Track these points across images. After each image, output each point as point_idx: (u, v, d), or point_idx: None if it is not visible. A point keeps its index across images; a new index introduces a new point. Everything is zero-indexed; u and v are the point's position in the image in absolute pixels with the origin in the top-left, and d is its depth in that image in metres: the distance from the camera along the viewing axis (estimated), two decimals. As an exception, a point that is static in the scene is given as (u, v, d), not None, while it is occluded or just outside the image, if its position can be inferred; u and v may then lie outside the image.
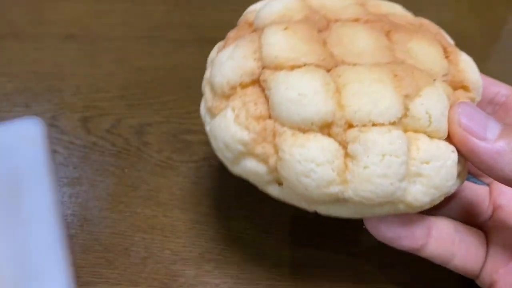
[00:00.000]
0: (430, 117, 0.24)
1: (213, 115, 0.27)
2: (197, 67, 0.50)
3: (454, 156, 0.24)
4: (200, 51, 0.52)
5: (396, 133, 0.23)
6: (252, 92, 0.25)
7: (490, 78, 0.30)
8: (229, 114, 0.25)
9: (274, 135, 0.24)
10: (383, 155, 0.22)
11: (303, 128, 0.23)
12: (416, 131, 0.24)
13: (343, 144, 0.23)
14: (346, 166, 0.23)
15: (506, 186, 0.25)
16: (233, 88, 0.25)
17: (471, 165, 0.26)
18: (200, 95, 0.31)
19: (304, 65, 0.24)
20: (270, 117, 0.24)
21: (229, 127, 0.24)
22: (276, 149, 0.24)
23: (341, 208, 0.25)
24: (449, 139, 0.25)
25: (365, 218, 0.27)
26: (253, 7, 0.31)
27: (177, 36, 0.54)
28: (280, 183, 0.25)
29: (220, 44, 0.30)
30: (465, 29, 0.56)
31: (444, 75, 0.26)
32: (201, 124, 0.30)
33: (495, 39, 0.56)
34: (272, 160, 0.24)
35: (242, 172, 0.26)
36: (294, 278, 0.33)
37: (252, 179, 0.26)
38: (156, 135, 0.44)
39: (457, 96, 0.26)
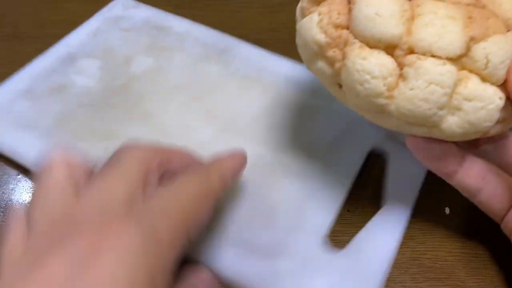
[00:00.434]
0: (488, 61, 0.26)
1: (303, 15, 0.31)
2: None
3: (499, 102, 0.27)
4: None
5: (448, 68, 0.26)
6: (340, 1, 0.28)
7: None
8: (315, 17, 0.29)
9: (346, 44, 0.28)
10: (430, 83, 0.26)
11: (371, 43, 0.27)
12: (471, 71, 0.26)
13: (401, 66, 0.26)
14: (397, 84, 0.27)
15: None
16: None
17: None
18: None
19: None
20: (348, 28, 0.28)
21: (311, 29, 0.29)
22: (344, 56, 0.28)
23: (384, 119, 0.28)
24: (503, 86, 0.27)
25: (407, 135, 0.30)
26: None
27: (177, 36, 0.54)
28: (340, 86, 0.29)
29: None
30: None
31: None
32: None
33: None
34: (338, 65, 0.28)
35: (315, 71, 0.30)
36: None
37: (321, 79, 0.31)
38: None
39: None
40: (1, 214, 0.39)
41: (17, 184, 0.41)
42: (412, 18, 0.26)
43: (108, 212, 0.23)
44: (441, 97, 0.26)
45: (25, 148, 0.39)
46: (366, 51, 0.27)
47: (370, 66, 0.26)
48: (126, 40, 0.48)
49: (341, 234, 0.36)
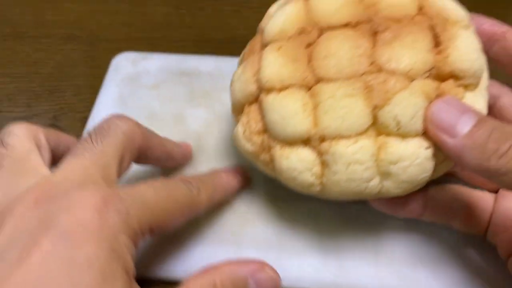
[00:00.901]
0: (398, 122, 0.26)
1: (235, 123, 0.33)
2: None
3: (426, 152, 0.27)
4: (200, 52, 0.52)
5: (360, 144, 0.27)
6: (255, 109, 0.30)
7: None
8: (239, 128, 0.31)
9: (269, 147, 0.30)
10: (348, 164, 0.27)
11: (289, 142, 0.29)
12: (388, 134, 0.27)
13: (320, 154, 0.28)
14: (322, 172, 0.28)
15: None
16: (242, 105, 0.31)
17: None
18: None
19: (289, 86, 0.28)
20: (266, 131, 0.30)
21: (240, 140, 0.31)
22: (271, 158, 0.30)
23: (328, 197, 0.30)
24: (425, 135, 0.27)
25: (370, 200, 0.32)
26: (271, 10, 0.34)
27: (177, 36, 0.54)
28: None
29: (245, 51, 0.35)
30: (464, 29, 0.56)
31: (427, 71, 0.27)
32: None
33: (495, 39, 0.56)
34: (271, 166, 0.30)
35: (259, 168, 0.32)
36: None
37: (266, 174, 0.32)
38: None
39: (444, 88, 0.27)
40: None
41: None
42: (315, 108, 0.27)
43: (87, 189, 0.24)
44: (364, 172, 0.27)
45: None
46: (287, 150, 0.28)
47: (294, 164, 0.28)
48: (161, 97, 0.43)
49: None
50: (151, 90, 0.45)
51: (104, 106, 0.44)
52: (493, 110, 0.32)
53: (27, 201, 0.23)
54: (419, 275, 0.32)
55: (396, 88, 0.26)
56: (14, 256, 0.21)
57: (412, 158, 0.27)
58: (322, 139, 0.27)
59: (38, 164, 0.26)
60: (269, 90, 0.29)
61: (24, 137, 0.27)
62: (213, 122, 0.41)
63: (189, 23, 0.57)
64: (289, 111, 0.28)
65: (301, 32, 0.30)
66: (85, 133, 0.28)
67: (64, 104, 0.48)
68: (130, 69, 0.47)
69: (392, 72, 0.27)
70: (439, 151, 0.27)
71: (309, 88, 0.28)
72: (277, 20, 0.31)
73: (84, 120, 0.45)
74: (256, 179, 0.37)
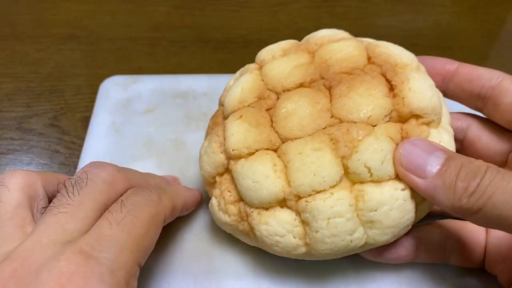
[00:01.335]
0: (369, 168, 0.27)
1: (209, 195, 0.33)
2: (197, 68, 0.51)
3: (404, 194, 0.27)
4: (200, 52, 0.52)
5: (337, 196, 0.27)
6: (226, 179, 0.30)
7: (473, 68, 0.31)
8: (214, 201, 0.31)
9: (247, 215, 0.29)
10: (328, 219, 0.27)
11: (265, 206, 0.28)
12: (361, 182, 0.27)
13: (298, 213, 0.28)
14: (304, 230, 0.28)
15: None
16: (213, 177, 0.31)
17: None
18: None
19: (256, 151, 0.29)
20: (241, 199, 0.29)
21: (216, 213, 0.31)
22: (251, 227, 0.29)
23: (314, 258, 0.29)
24: (398, 177, 0.28)
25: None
26: (228, 84, 0.35)
27: (177, 36, 0.54)
28: None
29: (208, 125, 0.35)
30: (464, 29, 0.57)
31: (387, 115, 0.27)
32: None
33: (494, 39, 0.56)
34: (251, 234, 0.30)
35: (244, 241, 0.32)
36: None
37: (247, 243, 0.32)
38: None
39: (407, 129, 0.28)
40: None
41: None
42: (285, 167, 0.28)
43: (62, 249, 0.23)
44: (346, 225, 0.27)
45: None
46: (265, 215, 0.28)
47: (274, 228, 0.28)
48: (157, 122, 0.41)
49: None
50: (145, 115, 0.42)
51: (97, 136, 0.40)
52: (464, 143, 0.32)
53: None
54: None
55: (360, 136, 0.27)
56: None
57: (392, 202, 0.27)
58: (298, 197, 0.27)
59: (20, 224, 0.25)
60: (237, 158, 0.29)
61: (15, 189, 0.26)
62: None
63: (189, 23, 0.57)
64: (260, 174, 0.28)
65: (260, 98, 0.31)
66: (61, 185, 0.27)
67: (64, 104, 0.47)
68: (121, 94, 0.44)
69: (353, 121, 0.28)
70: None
71: (275, 149, 0.29)
72: (235, 91, 0.32)
73: (84, 120, 0.44)
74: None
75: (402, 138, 0.27)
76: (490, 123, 0.31)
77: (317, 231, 0.27)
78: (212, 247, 0.34)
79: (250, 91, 0.31)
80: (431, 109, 0.28)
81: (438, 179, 0.25)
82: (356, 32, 0.59)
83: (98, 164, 0.28)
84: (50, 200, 0.26)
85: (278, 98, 0.30)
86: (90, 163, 0.28)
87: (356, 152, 0.27)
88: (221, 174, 0.31)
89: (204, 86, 0.45)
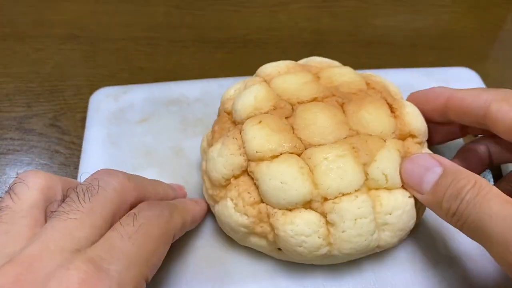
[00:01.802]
0: (386, 176, 0.30)
1: (215, 201, 0.33)
2: (196, 68, 0.51)
3: (411, 200, 0.30)
4: (200, 52, 0.52)
5: (361, 198, 0.29)
6: (244, 181, 0.31)
7: (461, 100, 0.33)
8: (229, 203, 0.31)
9: (268, 216, 0.30)
10: (355, 219, 0.28)
11: (290, 207, 0.29)
12: (377, 188, 0.30)
13: (323, 214, 0.29)
14: (328, 231, 0.29)
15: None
16: (228, 180, 0.31)
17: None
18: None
19: (281, 154, 0.30)
20: (262, 201, 0.30)
21: (231, 215, 0.31)
22: (272, 227, 0.30)
23: (332, 260, 0.31)
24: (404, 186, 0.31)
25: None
26: (228, 94, 0.36)
27: (177, 36, 0.54)
28: (280, 249, 0.31)
29: (208, 134, 0.35)
30: (464, 29, 0.57)
31: (393, 132, 0.32)
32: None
33: (494, 39, 0.56)
34: (270, 236, 0.30)
35: (249, 245, 0.32)
36: None
37: (258, 249, 0.32)
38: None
39: (407, 145, 0.32)
40: (1, 214, 0.39)
41: (16, 184, 0.40)
42: (311, 171, 0.29)
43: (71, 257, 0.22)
44: (369, 225, 0.29)
45: None
46: (290, 215, 0.29)
47: (300, 228, 0.29)
48: (153, 131, 0.41)
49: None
50: (140, 125, 0.41)
51: (94, 150, 0.39)
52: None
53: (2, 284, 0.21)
54: None
55: (378, 147, 0.30)
56: None
57: (403, 206, 0.30)
58: (324, 199, 0.29)
59: (32, 224, 0.24)
60: (259, 160, 0.30)
61: (34, 189, 0.25)
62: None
63: (189, 23, 0.57)
64: (289, 175, 0.29)
65: (275, 107, 0.32)
66: (71, 190, 0.27)
67: (64, 104, 0.46)
68: (112, 105, 0.43)
69: (369, 134, 0.31)
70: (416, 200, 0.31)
71: (299, 154, 0.30)
72: (248, 99, 0.33)
73: (84, 120, 0.44)
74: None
75: (405, 153, 0.31)
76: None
77: (344, 231, 0.28)
78: (226, 251, 0.34)
79: (265, 100, 0.33)
80: (423, 131, 0.33)
81: (430, 196, 0.28)
82: (356, 32, 0.59)
83: (110, 171, 0.28)
84: None
85: (293, 109, 0.32)
86: (101, 170, 0.28)
87: (375, 160, 0.29)
88: (236, 177, 0.31)
89: (196, 92, 0.45)
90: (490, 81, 0.49)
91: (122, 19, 0.56)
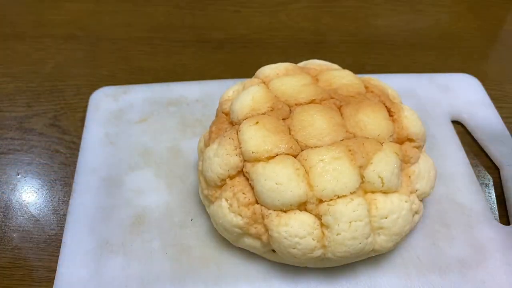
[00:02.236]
0: (382, 179, 0.29)
1: (210, 201, 0.33)
2: (197, 68, 0.51)
3: (407, 205, 0.30)
4: (200, 52, 0.53)
5: (357, 201, 0.29)
6: (239, 182, 0.31)
7: None
8: (223, 203, 0.31)
9: (263, 217, 0.30)
10: (350, 222, 0.28)
11: (285, 208, 0.29)
12: (373, 192, 0.30)
13: (318, 216, 0.29)
14: (323, 233, 0.29)
15: None
16: (223, 180, 0.31)
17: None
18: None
19: (277, 155, 0.30)
20: (257, 202, 0.30)
21: (226, 215, 0.31)
22: (266, 228, 0.30)
23: (326, 263, 0.31)
24: (403, 189, 0.31)
25: None
26: (226, 95, 0.37)
27: (177, 36, 0.54)
28: (274, 251, 0.31)
29: (205, 134, 0.35)
30: (464, 29, 0.57)
31: (390, 136, 0.32)
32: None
33: (494, 40, 0.56)
34: (264, 237, 0.30)
35: (242, 246, 0.32)
36: None
37: (252, 250, 0.32)
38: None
39: (405, 148, 0.32)
40: (1, 214, 0.39)
41: (16, 184, 0.40)
42: (306, 173, 0.29)
43: None
44: (365, 228, 0.29)
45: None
46: (284, 217, 0.29)
47: (294, 230, 0.28)
48: (151, 131, 0.41)
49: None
50: (139, 125, 0.42)
51: (92, 149, 0.40)
52: None
53: None
54: None
55: (374, 150, 0.30)
56: None
57: (399, 210, 0.30)
58: (320, 200, 0.29)
59: None
60: (255, 160, 0.30)
61: None
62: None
63: (189, 23, 0.57)
64: (284, 176, 0.29)
65: (273, 108, 0.32)
66: None
67: (64, 104, 0.47)
68: (112, 105, 0.43)
69: (366, 137, 0.31)
70: (414, 204, 0.31)
71: (295, 155, 0.30)
72: (245, 99, 0.33)
73: (84, 120, 0.45)
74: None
75: (403, 157, 0.31)
76: None
77: (338, 234, 0.28)
78: (220, 252, 0.34)
79: (262, 101, 0.33)
80: (421, 136, 0.33)
81: None
82: (356, 32, 0.59)
83: None
84: None
85: (290, 110, 0.32)
86: None
87: (371, 163, 0.29)
88: (232, 177, 0.31)
89: (196, 93, 0.45)
90: (490, 81, 0.49)
91: (123, 19, 0.56)
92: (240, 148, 0.30)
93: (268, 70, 0.37)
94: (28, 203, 0.38)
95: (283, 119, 0.32)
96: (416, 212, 0.32)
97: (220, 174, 0.31)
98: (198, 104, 0.44)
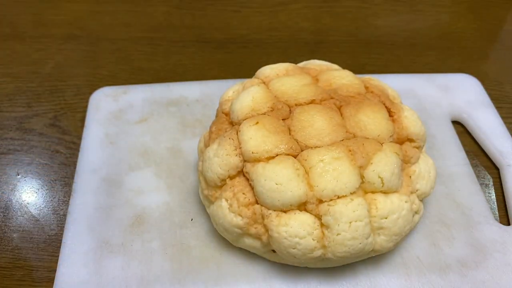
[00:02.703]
0: (382, 179, 0.29)
1: (210, 201, 0.33)
2: (197, 68, 0.51)
3: (407, 205, 0.30)
4: (200, 52, 0.53)
5: (357, 201, 0.29)
6: (239, 182, 0.31)
7: None
8: (223, 203, 0.31)
9: (263, 217, 0.30)
10: (350, 222, 0.28)
11: (285, 209, 0.29)
12: (373, 192, 0.30)
13: (318, 216, 0.29)
14: (323, 233, 0.29)
15: None
16: (223, 180, 0.31)
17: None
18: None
19: (276, 155, 0.30)
20: (257, 202, 0.30)
21: (226, 215, 0.31)
22: (266, 229, 0.30)
23: (326, 263, 0.31)
24: (404, 189, 0.31)
25: None
26: (226, 95, 0.37)
27: (177, 37, 0.55)
28: (274, 251, 0.31)
29: (205, 135, 0.35)
30: (464, 29, 0.57)
31: (390, 136, 0.32)
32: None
33: (494, 40, 0.56)
34: (264, 237, 0.30)
35: (243, 246, 0.32)
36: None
37: (251, 250, 0.32)
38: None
39: (405, 148, 0.32)
40: (1, 214, 0.39)
41: (16, 184, 0.40)
42: (306, 173, 0.29)
43: None
44: (365, 228, 0.29)
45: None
46: (284, 217, 0.29)
47: (294, 230, 0.28)
48: (151, 131, 0.41)
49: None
50: (139, 125, 0.42)
51: (92, 149, 0.40)
52: None
53: None
54: None
55: (374, 150, 0.30)
56: None
57: (399, 211, 0.30)
58: (320, 201, 0.29)
59: None
60: (255, 161, 0.30)
61: None
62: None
63: (189, 23, 0.57)
64: (284, 177, 0.29)
65: (273, 108, 0.32)
66: None
67: (64, 104, 0.46)
68: (112, 105, 0.43)
69: (366, 137, 0.31)
70: (414, 204, 0.31)
71: (295, 155, 0.30)
72: (245, 100, 0.33)
73: (84, 120, 0.44)
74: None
75: (404, 157, 0.31)
76: None
77: (338, 234, 0.28)
78: (220, 252, 0.34)
79: (262, 101, 0.33)
80: (421, 136, 0.33)
81: None
82: (356, 32, 0.59)
83: None
84: None
85: (290, 110, 0.32)
86: None
87: (371, 163, 0.29)
88: (232, 177, 0.31)
89: (196, 93, 0.45)
90: (490, 81, 0.49)
91: (122, 19, 0.56)
92: (240, 148, 0.31)
93: (268, 70, 0.37)
94: (28, 203, 0.38)
95: (283, 119, 0.32)
96: (416, 212, 0.32)
97: (220, 174, 0.31)
98: (198, 104, 0.44)
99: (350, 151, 0.29)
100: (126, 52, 0.52)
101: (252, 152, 0.30)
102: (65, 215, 0.37)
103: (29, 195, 0.39)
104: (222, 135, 0.32)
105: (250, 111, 0.32)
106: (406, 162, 0.32)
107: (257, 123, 0.31)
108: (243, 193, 0.30)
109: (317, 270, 0.32)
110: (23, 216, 0.37)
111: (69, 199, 0.37)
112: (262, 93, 0.33)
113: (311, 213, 0.29)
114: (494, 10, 0.59)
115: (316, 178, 0.29)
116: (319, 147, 0.30)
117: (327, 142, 0.30)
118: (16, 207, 0.38)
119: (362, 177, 0.29)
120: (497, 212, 0.38)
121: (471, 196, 0.37)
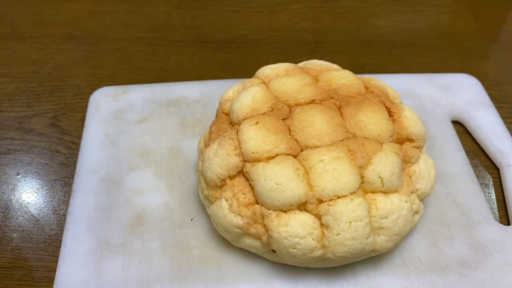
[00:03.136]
0: (382, 179, 0.29)
1: (210, 201, 0.33)
2: (197, 68, 0.51)
3: (407, 205, 0.30)
4: (200, 52, 0.53)
5: (357, 201, 0.29)
6: (239, 182, 0.31)
7: None
8: (223, 203, 0.31)
9: (263, 217, 0.30)
10: (350, 222, 0.28)
11: (285, 209, 0.29)
12: (373, 192, 0.30)
13: (318, 216, 0.29)
14: (323, 233, 0.29)
15: None
16: (223, 180, 0.31)
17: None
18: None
19: (276, 155, 0.30)
20: (257, 202, 0.30)
21: (225, 216, 0.31)
22: (266, 229, 0.30)
23: (326, 263, 0.31)
24: (404, 189, 0.31)
25: None
26: (226, 95, 0.37)
27: (177, 37, 0.55)
28: (274, 251, 0.31)
29: (205, 135, 0.36)
30: (464, 29, 0.57)
31: (390, 136, 0.32)
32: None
33: (494, 40, 0.56)
34: (264, 237, 0.30)
35: (243, 246, 0.32)
36: None
37: (251, 250, 0.32)
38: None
39: (405, 148, 0.32)
40: (1, 214, 0.39)
41: (16, 184, 0.40)
42: (306, 173, 0.29)
43: None
44: (365, 228, 0.29)
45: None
46: (284, 217, 0.29)
47: (294, 229, 0.29)
48: (151, 131, 0.41)
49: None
50: (139, 125, 0.42)
51: (92, 149, 0.40)
52: None
53: None
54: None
55: (374, 150, 0.30)
56: None
57: (399, 211, 0.30)
58: (319, 201, 0.29)
59: None
60: (255, 161, 0.30)
61: None
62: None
63: (189, 23, 0.57)
64: (284, 177, 0.29)
65: (273, 108, 0.32)
66: None
67: (64, 104, 0.46)
68: (112, 105, 0.43)
69: (366, 137, 0.31)
70: (414, 204, 0.31)
71: (295, 155, 0.30)
72: (245, 100, 0.33)
73: (84, 120, 0.44)
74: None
75: (404, 157, 0.31)
76: None
77: (338, 234, 0.28)
78: (220, 252, 0.34)
79: (262, 101, 0.33)
80: (421, 136, 0.33)
81: None
82: (356, 32, 0.59)
83: None
84: None
85: (290, 110, 0.32)
86: None
87: (371, 163, 0.29)
88: (232, 177, 0.31)
89: (196, 93, 0.45)
90: (490, 81, 0.49)
91: (122, 19, 0.56)
92: (240, 148, 0.31)
93: (268, 70, 0.37)
94: (28, 203, 0.38)
95: (283, 119, 0.32)
96: (416, 212, 0.32)
97: (220, 174, 0.31)
98: (198, 104, 0.44)
99: (350, 151, 0.30)
100: (126, 52, 0.52)
101: (252, 152, 0.30)
102: (65, 215, 0.37)
103: (29, 195, 0.39)
104: (222, 135, 0.32)
105: (250, 111, 0.32)
106: (406, 162, 0.32)
107: (257, 123, 0.31)
108: (243, 193, 0.30)
109: (317, 270, 0.32)
110: (23, 216, 0.37)
111: (69, 199, 0.37)
112: (262, 93, 0.33)
113: (311, 213, 0.29)
114: (494, 10, 0.59)
115: (316, 178, 0.29)
116: (319, 147, 0.30)
117: (327, 142, 0.30)
118: (16, 207, 0.38)
119: (362, 177, 0.29)
120: (497, 212, 0.38)
121: (471, 196, 0.37)
